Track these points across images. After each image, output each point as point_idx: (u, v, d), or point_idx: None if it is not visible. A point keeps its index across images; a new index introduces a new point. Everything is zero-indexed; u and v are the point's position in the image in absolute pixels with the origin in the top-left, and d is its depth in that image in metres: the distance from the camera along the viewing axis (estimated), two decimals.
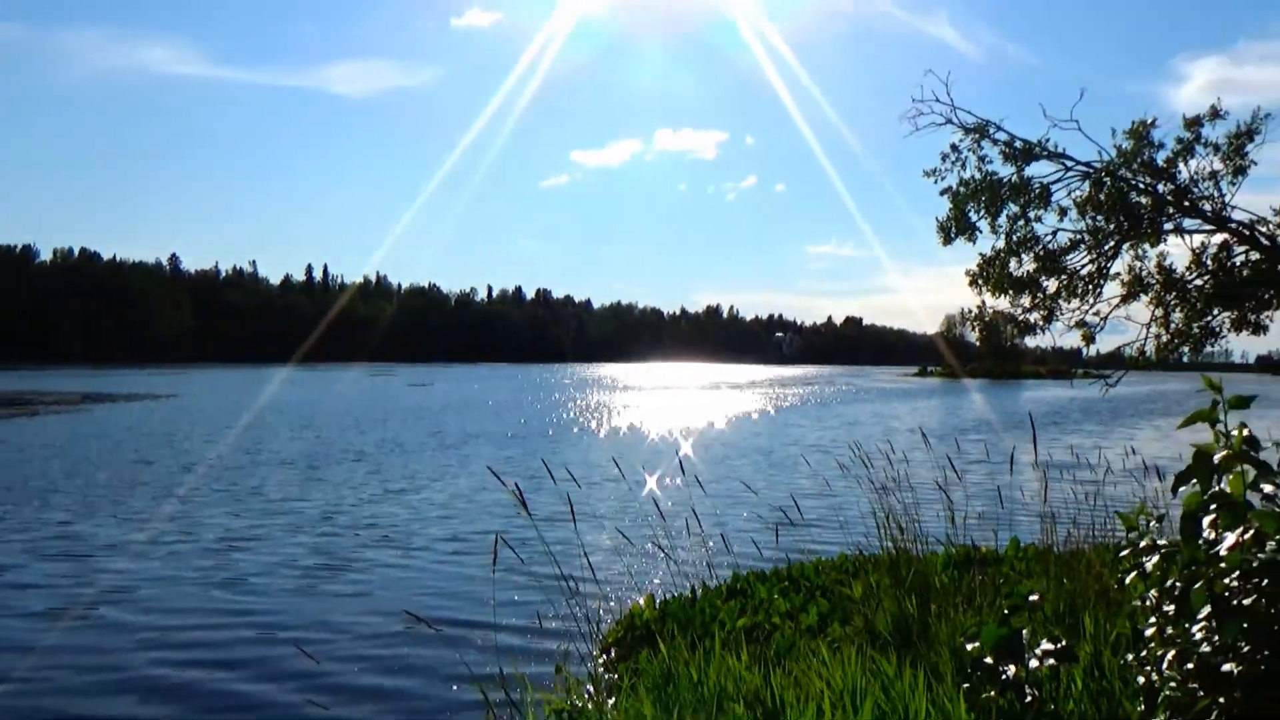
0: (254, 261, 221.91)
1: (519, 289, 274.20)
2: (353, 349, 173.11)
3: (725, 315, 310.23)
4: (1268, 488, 3.46)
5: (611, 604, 10.93)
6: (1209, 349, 12.58)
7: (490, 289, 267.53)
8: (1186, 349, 12.41)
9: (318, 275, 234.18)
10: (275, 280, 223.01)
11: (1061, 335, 12.86)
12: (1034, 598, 3.94)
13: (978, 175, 12.41)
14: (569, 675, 6.96)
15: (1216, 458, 3.35)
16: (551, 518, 13.64)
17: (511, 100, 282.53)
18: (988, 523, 10.30)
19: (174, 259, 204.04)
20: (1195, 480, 3.31)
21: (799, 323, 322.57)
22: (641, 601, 10.07)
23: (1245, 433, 3.14)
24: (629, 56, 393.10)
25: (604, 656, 9.11)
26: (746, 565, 11.60)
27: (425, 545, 15.52)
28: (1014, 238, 12.39)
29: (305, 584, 12.96)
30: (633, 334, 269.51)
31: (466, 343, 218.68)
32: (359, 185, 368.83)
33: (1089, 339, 12.65)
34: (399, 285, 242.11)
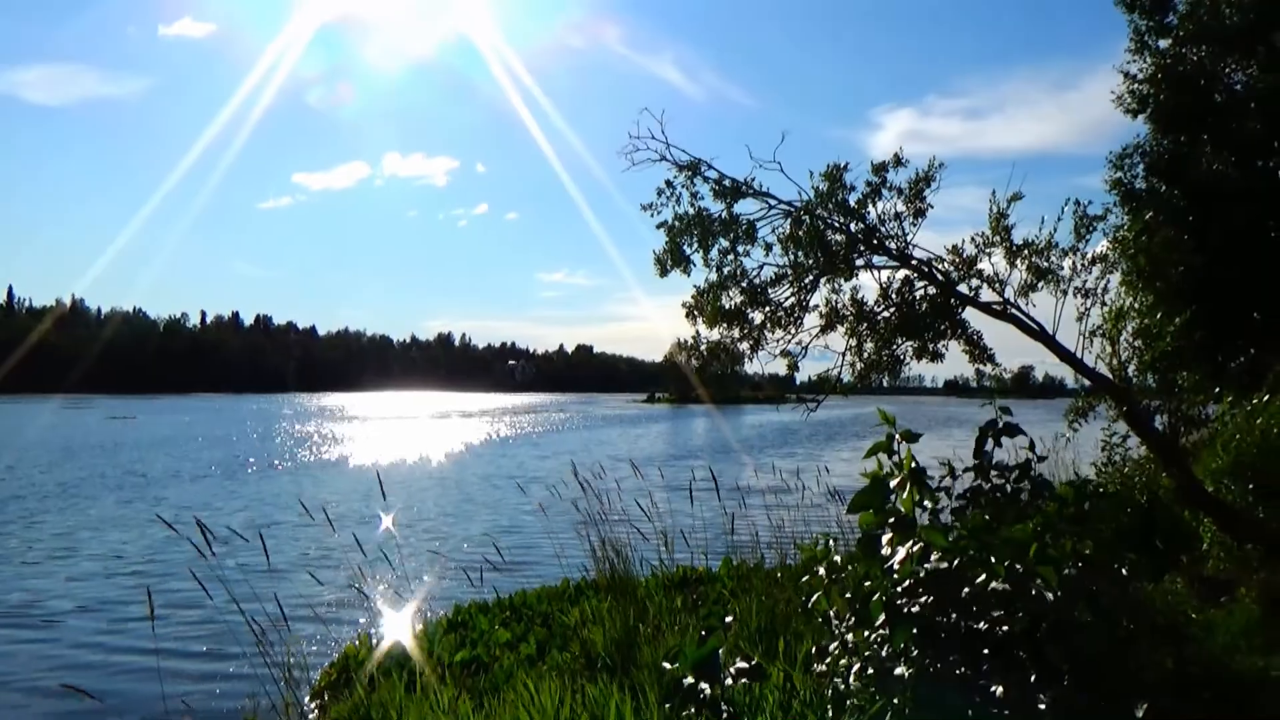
0: None
1: (236, 315, 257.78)
2: (50, 380, 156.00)
3: (457, 343, 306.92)
4: (929, 503, 3.99)
5: (323, 648, 10.41)
6: (905, 374, 13.70)
7: (204, 315, 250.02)
8: (881, 375, 13.48)
9: (0, 297, 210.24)
10: None
11: (768, 364, 13.62)
12: (729, 619, 4.11)
13: (691, 211, 12.93)
14: None
15: (892, 482, 3.82)
16: (255, 564, 12.58)
17: (228, 117, 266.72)
18: (702, 544, 10.71)
19: None
20: (870, 502, 3.78)
21: (531, 350, 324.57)
22: (357, 642, 9.67)
23: (913, 462, 3.86)
24: (358, 77, 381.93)
25: (316, 703, 8.68)
26: (469, 597, 11.42)
27: (98, 605, 13.75)
28: (724, 271, 13.00)
29: None
30: (360, 362, 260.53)
31: (177, 372, 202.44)
32: (53, 201, 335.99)
33: (793, 367, 13.47)
34: (99, 310, 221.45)
